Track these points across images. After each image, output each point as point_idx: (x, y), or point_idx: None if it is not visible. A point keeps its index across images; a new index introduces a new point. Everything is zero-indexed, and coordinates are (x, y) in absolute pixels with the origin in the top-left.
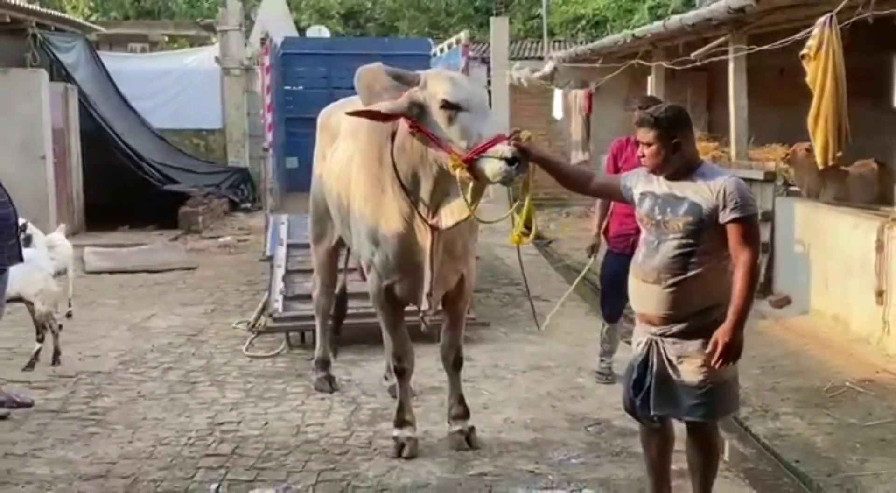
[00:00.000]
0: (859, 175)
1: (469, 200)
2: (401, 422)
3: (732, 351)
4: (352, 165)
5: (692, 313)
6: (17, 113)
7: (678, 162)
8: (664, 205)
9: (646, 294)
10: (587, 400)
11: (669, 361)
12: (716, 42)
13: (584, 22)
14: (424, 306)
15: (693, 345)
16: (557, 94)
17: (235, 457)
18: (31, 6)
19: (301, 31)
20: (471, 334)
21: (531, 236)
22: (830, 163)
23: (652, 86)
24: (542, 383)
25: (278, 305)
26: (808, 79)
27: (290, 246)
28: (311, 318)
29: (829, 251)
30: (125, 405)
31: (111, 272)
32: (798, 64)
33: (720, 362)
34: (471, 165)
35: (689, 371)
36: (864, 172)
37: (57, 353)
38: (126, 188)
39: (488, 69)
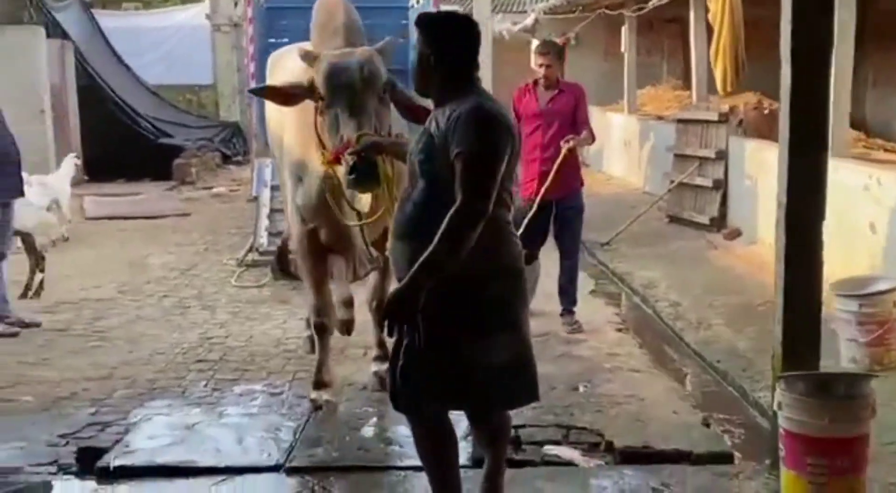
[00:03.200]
0: None
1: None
2: (318, 383)
3: (391, 312)
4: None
5: (455, 279)
6: (15, 69)
7: (437, 79)
8: (417, 141)
9: (397, 254)
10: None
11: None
12: None
13: None
14: (361, 273)
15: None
16: (535, 44)
17: (222, 362)
18: None
19: None
20: None
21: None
22: (729, 89)
23: (625, 36)
24: None
25: (263, 240)
26: (709, 16)
27: (273, 187)
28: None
29: (774, 186)
30: (125, 325)
31: (110, 218)
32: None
33: (383, 322)
34: (338, 164)
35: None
36: None
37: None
38: (122, 142)
39: None
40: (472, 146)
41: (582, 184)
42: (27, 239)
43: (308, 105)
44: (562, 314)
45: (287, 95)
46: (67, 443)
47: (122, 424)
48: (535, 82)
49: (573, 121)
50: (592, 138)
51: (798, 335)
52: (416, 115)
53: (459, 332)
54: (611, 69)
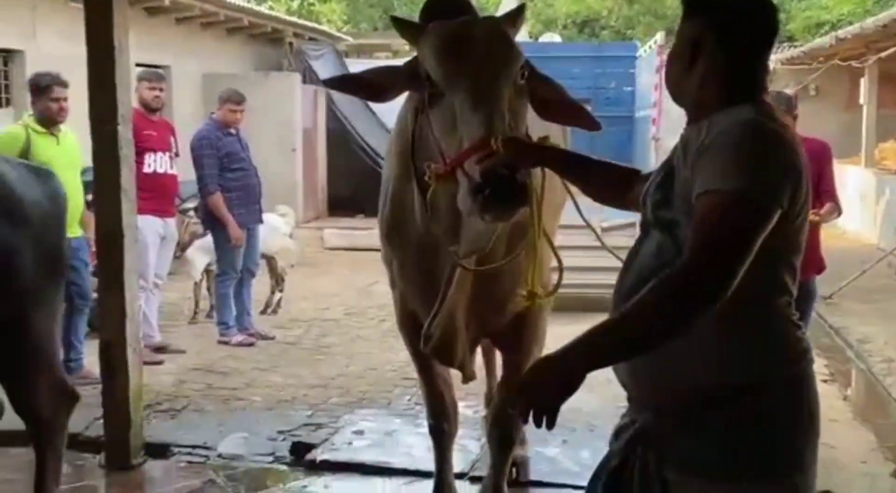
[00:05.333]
0: None
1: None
2: None
3: (528, 390)
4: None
5: (703, 388)
6: (273, 112)
7: (707, 79)
8: (656, 174)
9: None
10: None
11: (661, 478)
12: None
13: (827, 27)
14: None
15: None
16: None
17: None
18: (290, 18)
19: (536, 39)
20: None
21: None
22: None
23: (864, 88)
24: None
25: None
26: None
27: None
28: None
29: None
30: (346, 343)
31: (346, 249)
32: None
33: (509, 401)
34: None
35: None
36: None
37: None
38: (363, 180)
39: None
40: (725, 183)
41: (820, 270)
42: (271, 262)
43: (403, 147)
44: None
45: (375, 86)
46: (284, 439)
47: (332, 426)
48: None
49: (815, 190)
50: (839, 212)
51: None
52: (564, 112)
53: (701, 476)
54: (851, 121)
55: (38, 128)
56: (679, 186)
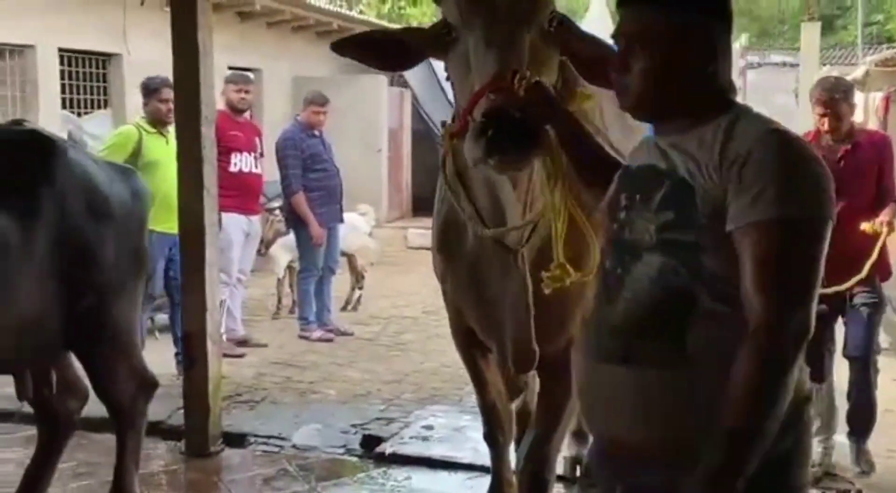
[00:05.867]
0: None
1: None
2: None
3: None
4: None
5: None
6: (360, 113)
7: (681, 89)
8: (634, 187)
9: (602, 387)
10: None
11: None
12: None
13: None
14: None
15: None
16: (858, 97)
17: None
18: (379, 22)
19: None
20: None
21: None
22: None
23: None
24: None
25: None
26: None
27: None
28: None
29: None
30: (422, 340)
31: (427, 249)
32: None
33: None
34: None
35: None
36: None
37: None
38: None
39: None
40: (786, 211)
41: (889, 273)
42: (351, 260)
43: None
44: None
45: (396, 46)
46: (357, 432)
47: (403, 421)
48: (818, 133)
49: (877, 186)
50: None
51: None
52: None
53: None
54: None
55: (149, 128)
56: (705, 209)
